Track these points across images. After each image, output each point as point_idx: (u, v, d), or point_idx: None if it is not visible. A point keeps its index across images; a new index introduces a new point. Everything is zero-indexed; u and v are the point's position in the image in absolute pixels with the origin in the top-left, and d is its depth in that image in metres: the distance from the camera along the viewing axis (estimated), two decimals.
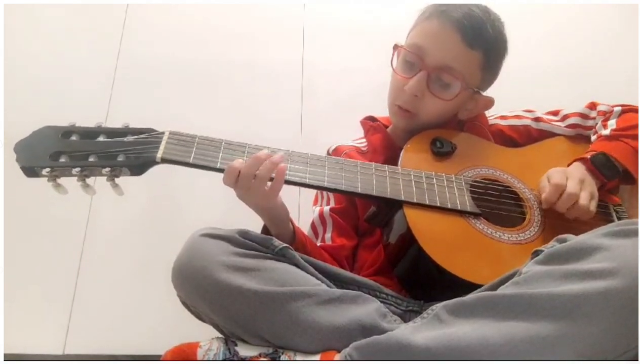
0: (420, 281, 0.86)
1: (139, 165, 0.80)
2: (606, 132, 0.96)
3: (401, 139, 1.00)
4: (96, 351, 1.24)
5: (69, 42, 1.55)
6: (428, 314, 0.70)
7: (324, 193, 1.06)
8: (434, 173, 0.90)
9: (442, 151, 0.95)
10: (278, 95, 1.55)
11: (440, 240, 0.83)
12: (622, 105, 1.00)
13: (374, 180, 0.86)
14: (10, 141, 0.79)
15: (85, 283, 1.30)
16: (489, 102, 1.03)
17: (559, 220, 0.88)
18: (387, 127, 1.09)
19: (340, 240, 0.99)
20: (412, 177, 0.88)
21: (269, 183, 0.80)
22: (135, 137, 0.81)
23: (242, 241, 0.79)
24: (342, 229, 1.01)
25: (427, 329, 0.66)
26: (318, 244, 0.99)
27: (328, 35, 1.63)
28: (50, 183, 0.78)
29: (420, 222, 0.83)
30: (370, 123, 1.10)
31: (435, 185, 0.88)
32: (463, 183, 0.90)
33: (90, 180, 0.80)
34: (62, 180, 0.79)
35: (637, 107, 1.00)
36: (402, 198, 0.85)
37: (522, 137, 1.06)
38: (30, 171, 0.78)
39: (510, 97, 1.09)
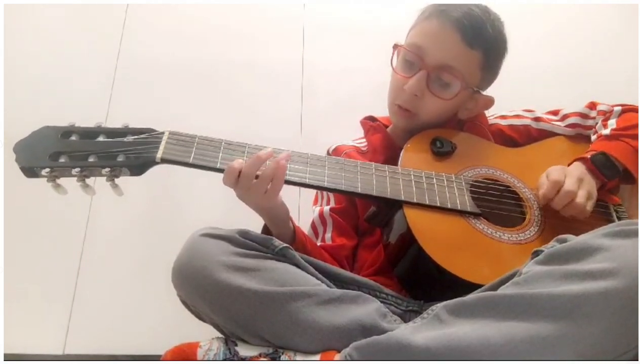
0: (420, 281, 0.86)
1: (139, 165, 0.80)
2: (606, 131, 0.96)
3: (401, 139, 1.00)
4: (96, 351, 1.24)
5: (69, 42, 1.55)
6: (428, 314, 0.70)
7: (324, 193, 1.06)
8: (434, 173, 0.90)
9: (442, 151, 0.95)
10: (278, 95, 1.55)
11: (440, 240, 0.83)
12: (622, 105, 1.00)
13: (374, 180, 0.86)
14: (10, 141, 0.79)
15: (85, 283, 1.30)
16: (489, 102, 1.03)
17: (558, 220, 0.88)
18: (387, 126, 1.09)
19: (340, 240, 0.99)
20: (412, 176, 0.88)
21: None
22: (135, 137, 0.81)
23: (242, 241, 0.79)
24: (342, 229, 1.01)
25: (427, 329, 0.66)
26: (318, 244, 0.99)
27: (328, 35, 1.63)
28: (50, 183, 0.78)
29: (420, 222, 0.83)
30: (370, 123, 1.10)
31: (435, 185, 0.88)
32: (463, 183, 0.90)
33: (90, 181, 0.80)
34: (61, 181, 0.79)
35: (637, 106, 1.00)
36: (402, 198, 0.85)
37: (522, 136, 1.06)
38: (30, 171, 0.77)
39: (510, 97, 1.09)
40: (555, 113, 1.08)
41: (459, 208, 0.86)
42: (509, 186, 0.94)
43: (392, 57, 1.01)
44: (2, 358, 1.11)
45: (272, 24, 1.64)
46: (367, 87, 1.42)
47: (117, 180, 0.80)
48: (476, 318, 0.64)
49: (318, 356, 0.71)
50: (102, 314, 1.27)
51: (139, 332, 1.26)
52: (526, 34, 1.56)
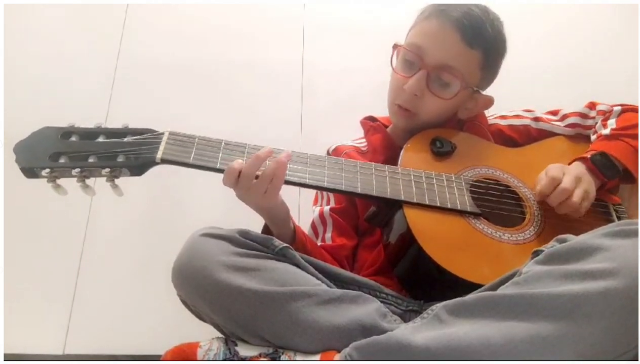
0: (420, 281, 0.86)
1: (139, 165, 0.80)
2: (606, 131, 0.96)
3: (401, 139, 1.00)
4: (96, 351, 1.24)
5: (69, 42, 1.55)
6: (428, 314, 0.70)
7: (324, 193, 1.06)
8: (433, 173, 0.90)
9: (442, 151, 0.95)
10: (278, 95, 1.55)
11: (440, 239, 0.83)
12: (621, 105, 1.00)
13: (374, 180, 0.86)
14: (10, 141, 0.79)
15: (85, 283, 1.30)
16: (489, 101, 1.03)
17: (558, 219, 0.88)
18: (387, 126, 1.09)
19: (340, 240, 0.99)
20: (412, 176, 0.88)
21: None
22: (135, 137, 0.81)
23: (242, 241, 0.79)
24: (342, 229, 1.01)
25: (427, 329, 0.66)
26: (318, 244, 0.99)
27: (328, 35, 1.63)
28: (50, 184, 0.78)
29: (420, 222, 0.83)
30: (370, 123, 1.10)
31: (435, 185, 0.88)
32: (463, 183, 0.90)
33: (90, 181, 0.80)
34: (61, 181, 0.79)
35: (637, 106, 1.00)
36: (402, 198, 0.85)
37: (522, 136, 1.06)
38: (30, 172, 0.77)
39: (510, 97, 1.09)
40: (554, 113, 1.08)
41: (459, 208, 0.86)
42: (508, 186, 0.94)
43: (392, 57, 1.01)
44: (2, 358, 1.11)
45: (272, 24, 1.64)
46: (367, 87, 1.42)
47: (117, 181, 0.80)
48: (476, 318, 0.64)
49: (318, 356, 0.71)
50: (102, 314, 1.27)
51: (139, 332, 1.26)
52: (526, 34, 1.56)
